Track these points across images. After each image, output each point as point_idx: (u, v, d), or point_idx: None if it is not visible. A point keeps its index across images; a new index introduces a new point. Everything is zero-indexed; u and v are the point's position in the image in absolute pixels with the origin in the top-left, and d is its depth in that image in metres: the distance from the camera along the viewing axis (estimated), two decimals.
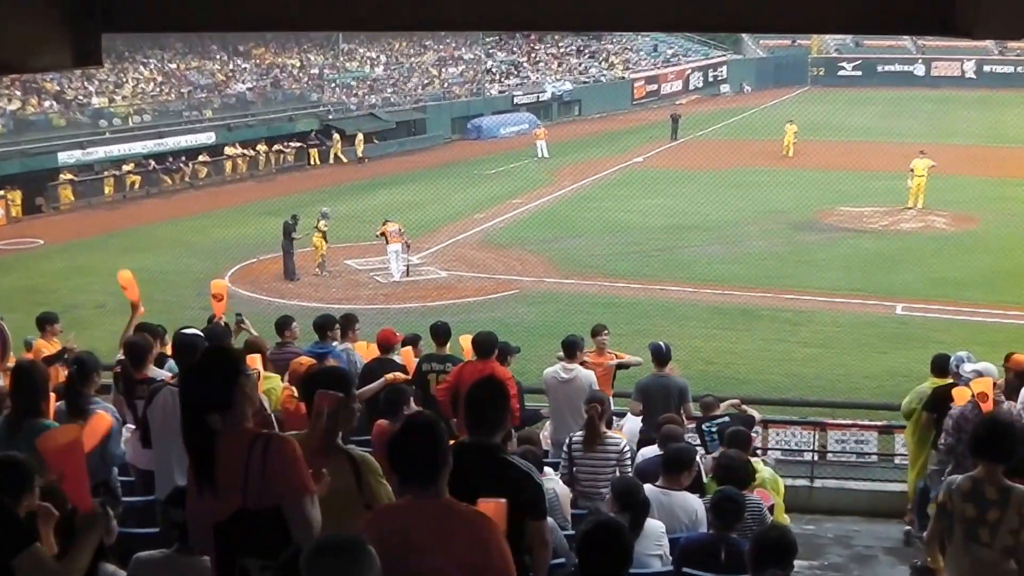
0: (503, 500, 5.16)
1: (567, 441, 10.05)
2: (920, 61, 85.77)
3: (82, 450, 5.35)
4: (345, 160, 54.39)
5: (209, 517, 5.05)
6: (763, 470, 9.66)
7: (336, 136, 55.06)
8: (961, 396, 10.65)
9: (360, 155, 55.14)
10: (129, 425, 9.32)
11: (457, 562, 4.66)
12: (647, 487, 8.33)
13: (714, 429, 11.00)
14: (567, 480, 9.60)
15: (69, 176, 44.41)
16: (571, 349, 12.21)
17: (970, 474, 6.92)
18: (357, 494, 5.59)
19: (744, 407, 12.56)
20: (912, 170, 38.60)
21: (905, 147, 40.16)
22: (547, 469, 8.87)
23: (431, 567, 4.52)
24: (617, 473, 9.72)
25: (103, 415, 8.33)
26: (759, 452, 13.19)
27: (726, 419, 11.43)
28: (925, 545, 8.21)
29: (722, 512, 7.40)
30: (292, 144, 53.88)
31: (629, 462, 9.95)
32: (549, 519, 6.34)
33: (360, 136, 55.51)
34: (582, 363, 12.61)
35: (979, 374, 10.24)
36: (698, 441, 13.07)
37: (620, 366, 13.95)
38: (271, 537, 4.92)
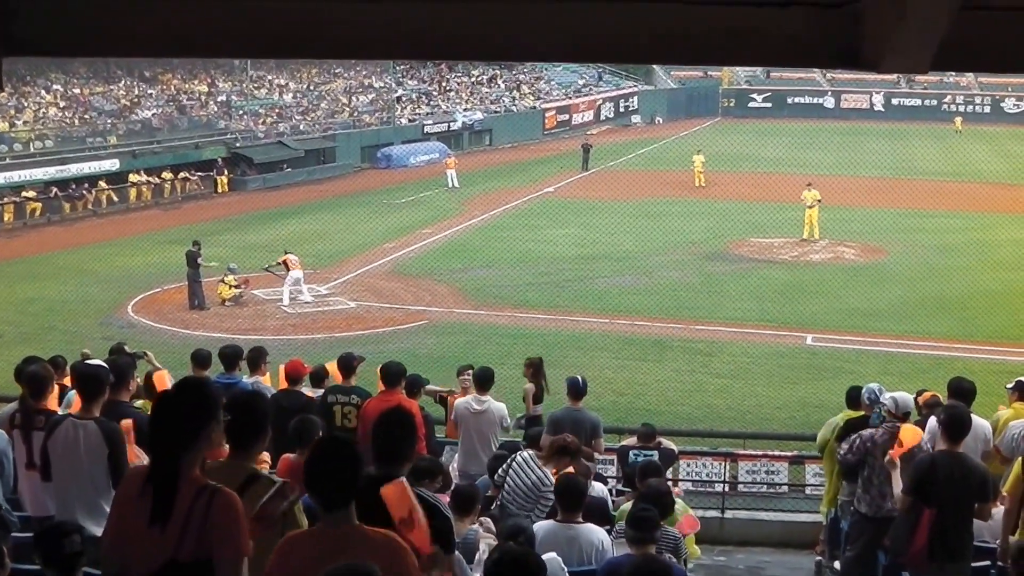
0: (402, 479, 5.25)
1: (515, 455, 9.94)
2: (830, 93, 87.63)
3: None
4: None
5: (146, 553, 4.85)
6: (676, 501, 9.65)
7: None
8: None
9: (219, 191, 54.11)
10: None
11: None
12: (547, 523, 8.25)
13: (640, 459, 11.06)
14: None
15: None
16: (483, 381, 12.12)
17: None
18: (281, 521, 5.52)
19: (661, 439, 12.61)
20: (804, 200, 39.22)
21: (813, 179, 40.73)
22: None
23: None
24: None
25: None
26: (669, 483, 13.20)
27: (654, 453, 11.50)
28: None
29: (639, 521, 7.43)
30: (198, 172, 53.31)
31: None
32: (456, 553, 6.22)
33: (225, 175, 54.69)
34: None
35: (895, 402, 10.28)
36: (612, 472, 13.10)
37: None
38: None
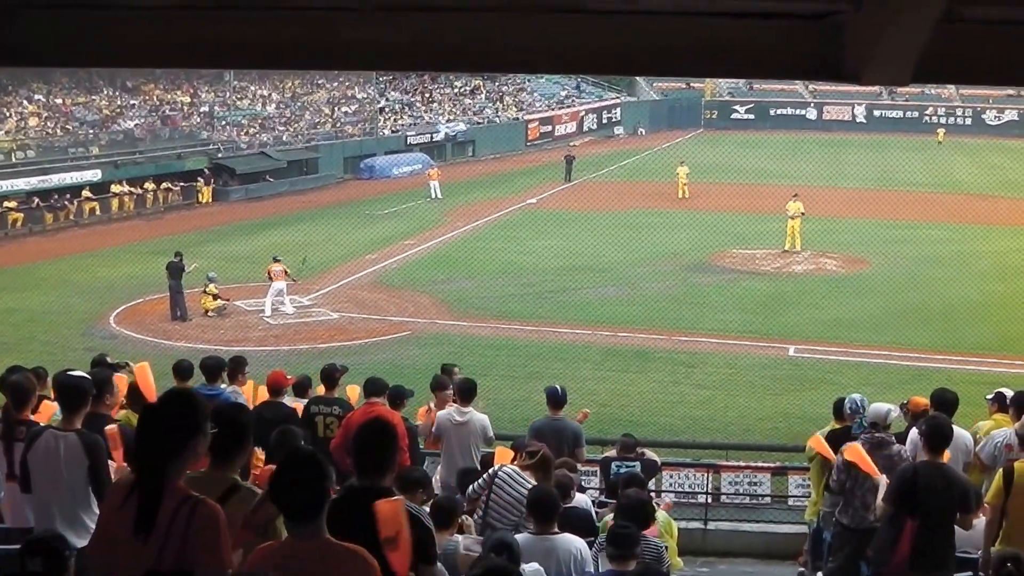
0: (401, 498, 5.23)
1: (494, 469, 9.77)
2: (812, 105, 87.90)
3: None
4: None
5: (129, 563, 4.81)
6: (657, 513, 9.63)
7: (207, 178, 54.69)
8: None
9: (203, 201, 54.19)
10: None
11: None
12: (522, 536, 8.19)
13: (622, 471, 11.06)
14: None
15: None
16: (466, 393, 12.10)
17: None
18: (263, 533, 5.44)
19: (644, 450, 12.60)
20: (788, 211, 39.30)
21: (797, 190, 40.79)
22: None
23: None
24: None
25: None
26: (652, 495, 13.18)
27: (636, 464, 11.49)
28: None
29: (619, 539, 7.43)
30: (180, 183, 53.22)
31: None
32: (439, 564, 6.21)
33: (210, 187, 54.64)
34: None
35: (855, 403, 10.40)
36: (595, 483, 13.08)
37: None
38: None
